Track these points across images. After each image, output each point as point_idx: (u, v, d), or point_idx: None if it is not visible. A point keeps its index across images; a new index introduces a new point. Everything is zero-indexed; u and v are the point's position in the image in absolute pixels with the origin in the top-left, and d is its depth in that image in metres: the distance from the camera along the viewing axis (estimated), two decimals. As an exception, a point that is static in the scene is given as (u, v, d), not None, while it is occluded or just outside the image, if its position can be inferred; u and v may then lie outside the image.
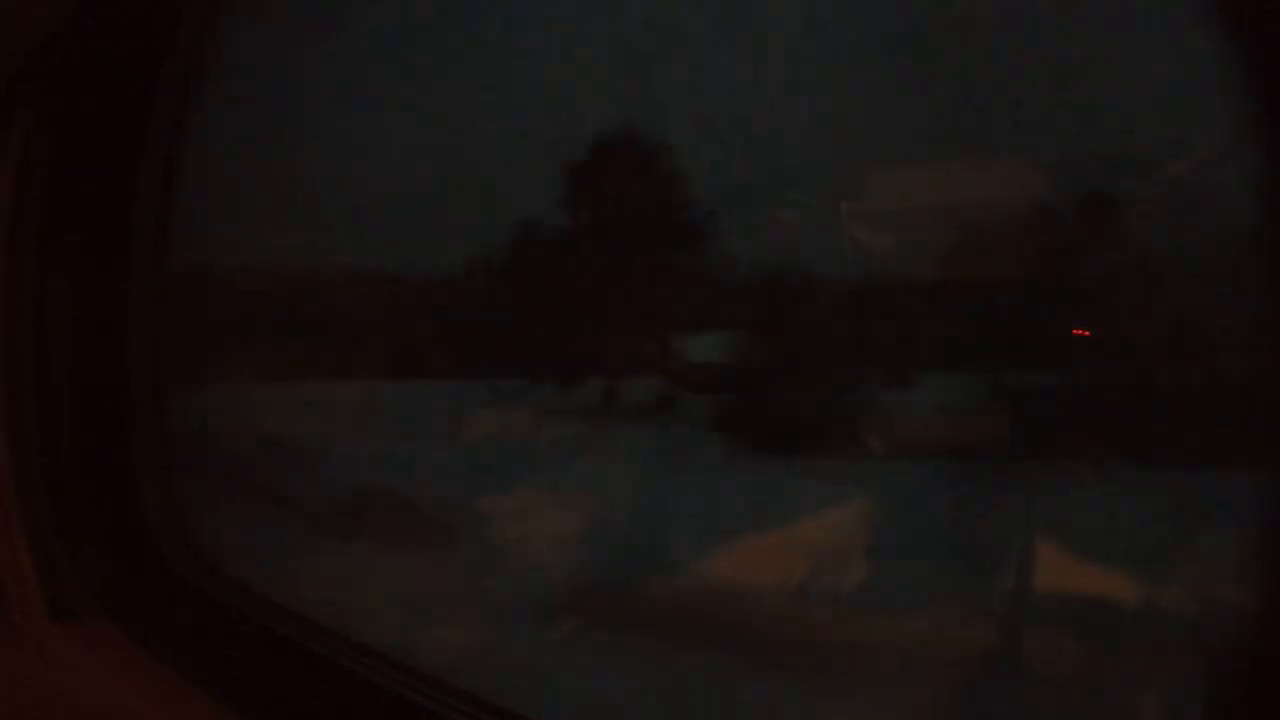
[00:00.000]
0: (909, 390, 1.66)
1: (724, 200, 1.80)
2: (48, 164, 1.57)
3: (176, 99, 1.64)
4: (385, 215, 2.09)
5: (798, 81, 1.59)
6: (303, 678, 1.41)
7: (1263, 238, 0.80)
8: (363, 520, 2.08)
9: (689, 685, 1.56)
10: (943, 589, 1.54)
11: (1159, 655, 1.27)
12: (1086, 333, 1.44)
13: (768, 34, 1.61)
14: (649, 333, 1.94)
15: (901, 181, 1.61)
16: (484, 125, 1.93)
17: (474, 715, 1.23)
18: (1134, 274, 1.44)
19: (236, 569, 1.71)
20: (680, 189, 1.85)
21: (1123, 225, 1.44)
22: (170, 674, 1.43)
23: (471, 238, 2.07)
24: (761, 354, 1.86)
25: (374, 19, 1.90)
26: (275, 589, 1.63)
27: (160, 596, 1.64)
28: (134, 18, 1.52)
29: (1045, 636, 1.46)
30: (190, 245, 1.86)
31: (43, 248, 1.60)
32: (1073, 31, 1.29)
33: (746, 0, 1.68)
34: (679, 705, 1.51)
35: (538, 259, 2.02)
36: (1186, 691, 1.11)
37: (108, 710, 1.46)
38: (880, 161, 1.61)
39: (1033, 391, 1.51)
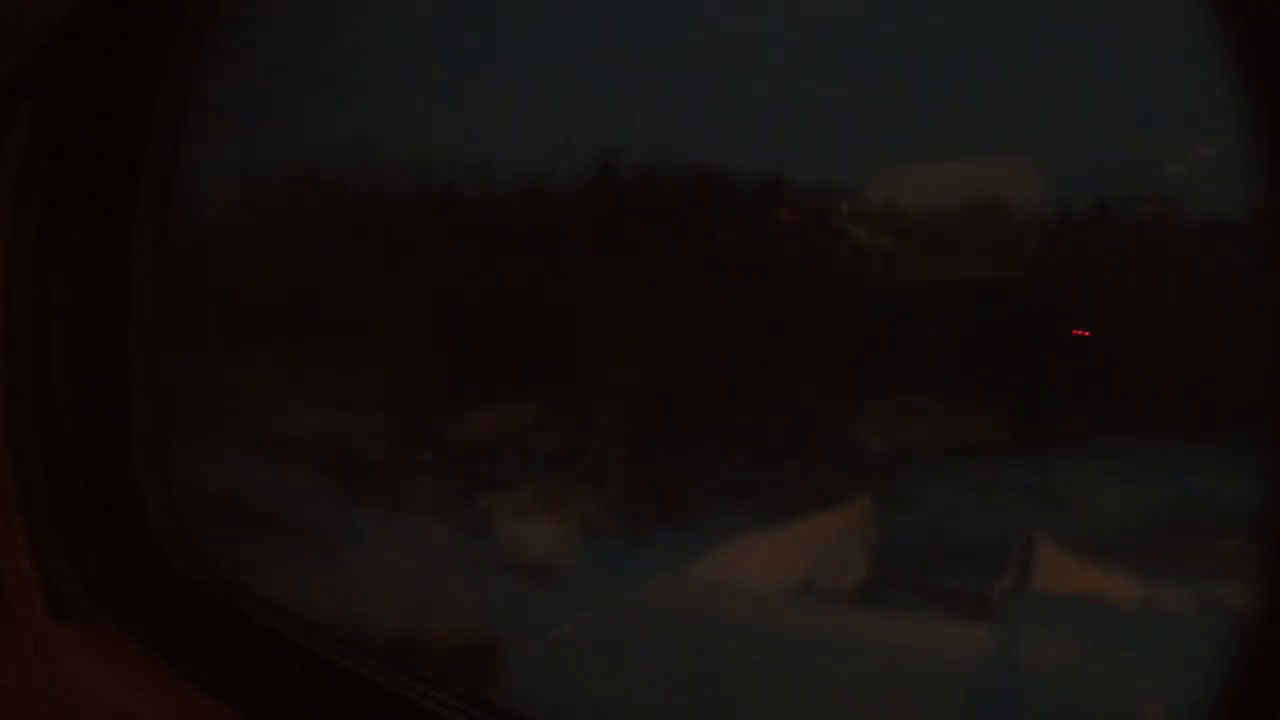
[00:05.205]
0: (909, 391, 1.67)
1: (723, 200, 1.80)
2: (48, 164, 1.57)
3: (178, 98, 1.64)
4: (386, 216, 2.09)
5: (798, 82, 1.59)
6: (303, 678, 1.41)
7: (1263, 238, 0.80)
8: (363, 519, 2.08)
9: (687, 683, 1.56)
10: (942, 589, 1.54)
11: (1161, 652, 1.27)
12: (1086, 333, 1.44)
13: (768, 34, 1.61)
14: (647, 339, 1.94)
15: (901, 182, 1.61)
16: (483, 124, 1.93)
17: (474, 715, 1.23)
18: (1134, 275, 1.44)
19: (236, 569, 1.71)
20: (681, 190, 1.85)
21: (1123, 226, 1.44)
22: (170, 674, 1.43)
23: (473, 239, 2.07)
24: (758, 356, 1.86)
25: (375, 18, 1.90)
26: (275, 589, 1.63)
27: (160, 596, 1.64)
28: (135, 17, 1.52)
29: (1045, 636, 1.46)
30: (191, 245, 1.86)
31: (43, 248, 1.60)
32: (1073, 31, 1.29)
33: (749, 1, 1.68)
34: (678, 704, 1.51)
35: (541, 260, 2.02)
36: (1187, 691, 1.11)
37: (108, 710, 1.46)
38: (880, 162, 1.61)
39: (1033, 391, 1.51)
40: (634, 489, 2.01)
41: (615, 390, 1.98)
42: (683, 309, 1.86)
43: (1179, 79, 1.09)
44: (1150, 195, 1.38)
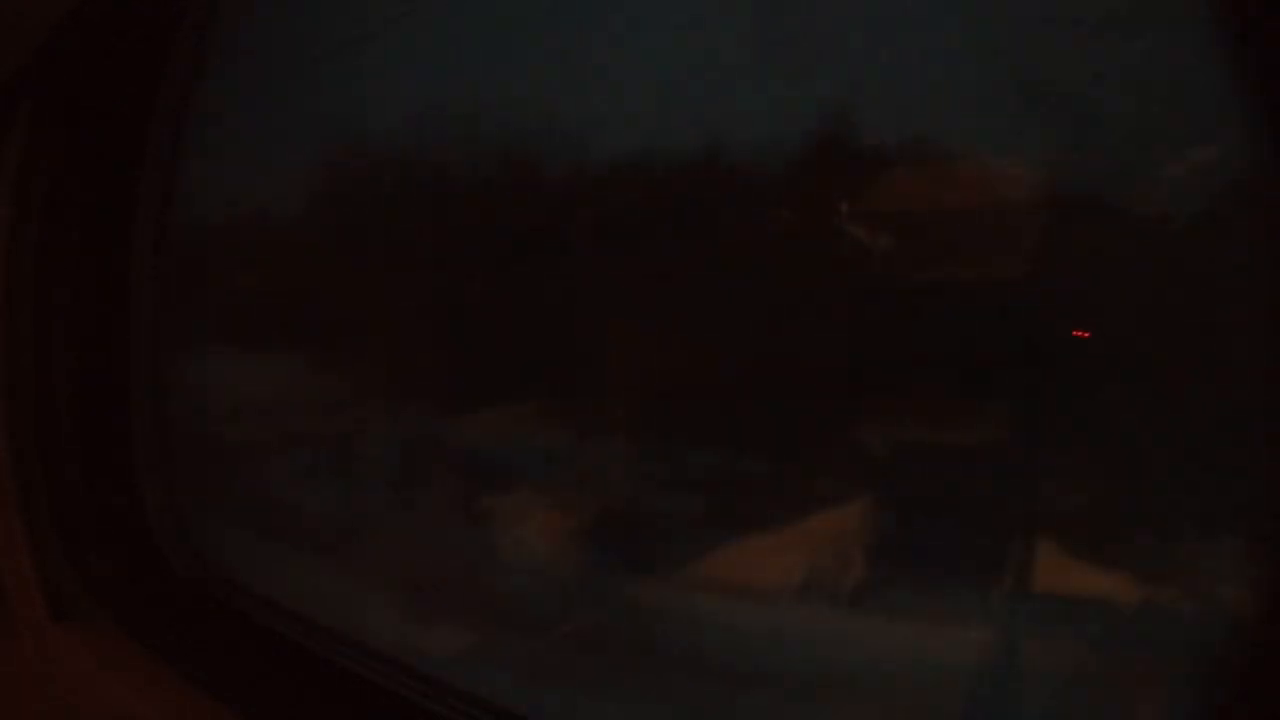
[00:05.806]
0: (909, 391, 1.67)
1: (723, 200, 1.80)
2: (48, 163, 1.57)
3: (178, 98, 1.64)
4: (386, 215, 2.09)
5: (799, 82, 1.59)
6: (303, 678, 1.41)
7: (1263, 237, 0.80)
8: (364, 517, 2.08)
9: (687, 683, 1.56)
10: (942, 589, 1.54)
11: (1159, 655, 1.27)
12: (1086, 333, 1.44)
13: (768, 33, 1.61)
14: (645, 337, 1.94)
15: (902, 182, 1.61)
16: (482, 124, 1.93)
17: (474, 715, 1.24)
18: (1134, 275, 1.44)
19: (237, 569, 1.71)
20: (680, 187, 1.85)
21: (1123, 226, 1.44)
22: (170, 674, 1.43)
23: (472, 238, 2.07)
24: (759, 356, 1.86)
25: (374, 17, 1.90)
26: (275, 589, 1.63)
27: (160, 596, 1.64)
28: (135, 17, 1.52)
29: (1045, 636, 1.46)
30: (192, 245, 1.86)
31: (43, 248, 1.60)
32: (1072, 31, 1.29)
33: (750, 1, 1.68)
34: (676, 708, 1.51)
35: (541, 260, 2.02)
36: (1186, 691, 1.11)
37: (108, 710, 1.46)
38: (880, 161, 1.61)
39: (1032, 392, 1.51)
40: (634, 489, 2.01)
41: (616, 390, 1.98)
42: (684, 309, 1.86)
43: (1179, 79, 1.09)
44: (1150, 195, 1.38)
